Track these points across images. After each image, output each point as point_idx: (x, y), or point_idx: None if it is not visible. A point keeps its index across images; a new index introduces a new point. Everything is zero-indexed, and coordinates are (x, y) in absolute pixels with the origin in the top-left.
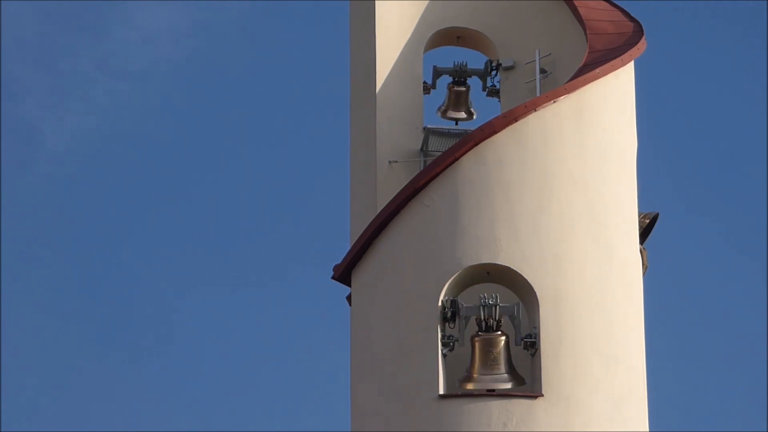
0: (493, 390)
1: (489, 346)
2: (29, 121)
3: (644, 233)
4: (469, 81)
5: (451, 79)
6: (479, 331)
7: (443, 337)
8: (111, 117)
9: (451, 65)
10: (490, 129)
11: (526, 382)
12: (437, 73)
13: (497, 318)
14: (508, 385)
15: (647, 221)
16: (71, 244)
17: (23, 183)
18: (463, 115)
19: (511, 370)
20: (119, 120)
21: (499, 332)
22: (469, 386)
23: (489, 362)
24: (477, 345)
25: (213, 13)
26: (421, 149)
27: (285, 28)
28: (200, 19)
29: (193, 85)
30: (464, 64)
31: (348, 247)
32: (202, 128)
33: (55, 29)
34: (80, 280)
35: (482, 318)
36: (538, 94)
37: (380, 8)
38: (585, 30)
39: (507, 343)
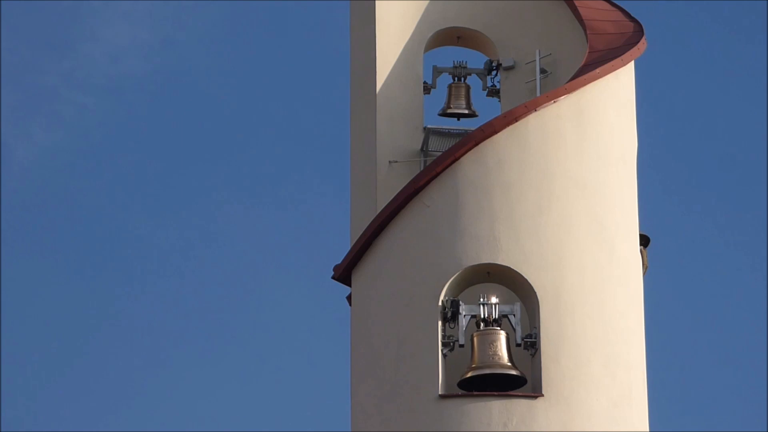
0: (495, 377)
1: (489, 340)
2: None
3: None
4: (469, 81)
5: (451, 78)
6: (479, 329)
7: (443, 337)
8: (78, 132)
9: (451, 65)
10: (490, 129)
11: (527, 381)
12: (437, 72)
13: (497, 317)
14: (512, 372)
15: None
16: (39, 258)
17: None
18: (464, 110)
19: (512, 364)
20: (86, 135)
21: (499, 328)
22: (469, 374)
23: (489, 355)
24: (476, 340)
25: (180, 27)
26: (421, 149)
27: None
28: (167, 33)
29: (160, 100)
30: (464, 63)
31: (348, 247)
32: (169, 143)
33: (20, 44)
34: (50, 294)
35: (482, 317)
36: (538, 94)
37: (380, 8)
38: (585, 30)
39: (507, 339)
